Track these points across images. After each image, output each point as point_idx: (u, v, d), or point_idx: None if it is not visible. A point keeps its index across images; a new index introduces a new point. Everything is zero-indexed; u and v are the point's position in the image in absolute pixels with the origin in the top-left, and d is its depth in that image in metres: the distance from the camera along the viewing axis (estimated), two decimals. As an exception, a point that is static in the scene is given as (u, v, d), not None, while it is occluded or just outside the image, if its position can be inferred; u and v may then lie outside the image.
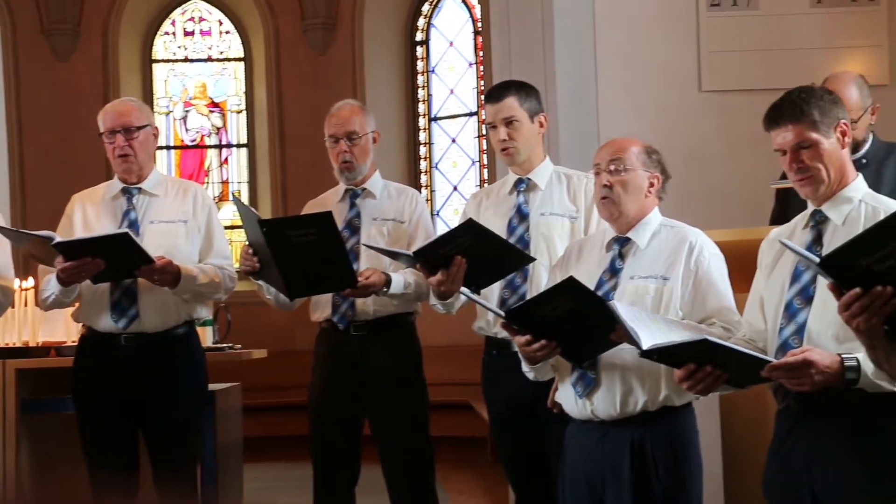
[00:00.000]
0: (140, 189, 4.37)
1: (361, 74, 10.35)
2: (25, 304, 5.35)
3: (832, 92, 3.08)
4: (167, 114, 11.05)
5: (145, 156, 4.37)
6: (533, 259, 3.82)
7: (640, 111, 5.53)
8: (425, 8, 10.53)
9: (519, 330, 3.25)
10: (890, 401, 2.84)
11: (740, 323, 3.18)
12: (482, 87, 10.02)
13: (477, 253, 3.71)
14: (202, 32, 11.13)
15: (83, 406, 4.32)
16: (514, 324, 3.25)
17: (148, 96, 10.79)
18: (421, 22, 10.55)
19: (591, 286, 3.28)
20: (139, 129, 4.32)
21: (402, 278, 4.24)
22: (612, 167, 3.36)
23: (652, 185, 3.39)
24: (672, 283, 3.28)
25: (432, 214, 10.31)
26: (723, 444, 4.14)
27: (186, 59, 11.11)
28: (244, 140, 11.02)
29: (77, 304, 4.37)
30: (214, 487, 5.13)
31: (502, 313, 3.29)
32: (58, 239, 4.06)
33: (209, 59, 11.14)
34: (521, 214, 4.05)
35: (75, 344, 4.57)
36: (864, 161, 4.24)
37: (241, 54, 11.07)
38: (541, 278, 3.85)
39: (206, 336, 5.62)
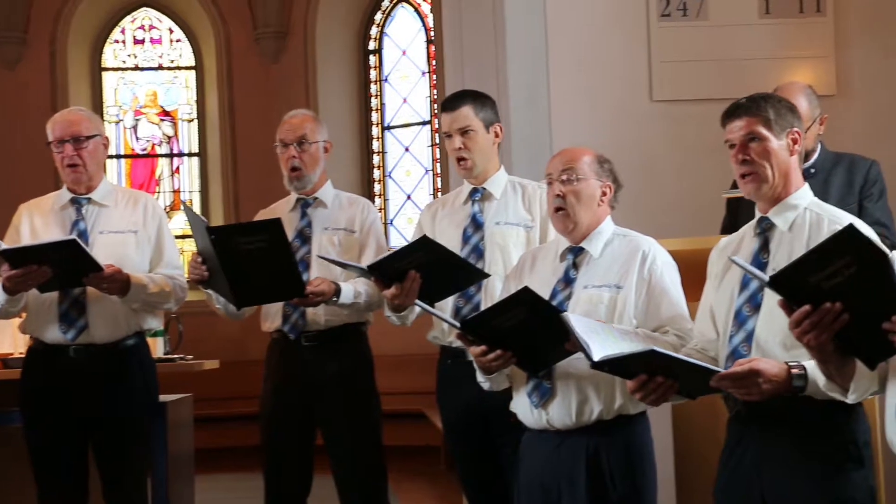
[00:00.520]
0: (89, 199, 4.33)
1: (314, 83, 10.32)
2: (-29, 316, 5.26)
3: (792, 102, 3.13)
4: (117, 122, 10.96)
5: (95, 166, 4.32)
6: (487, 275, 3.83)
7: (592, 120, 5.55)
8: (378, 16, 10.53)
9: (474, 340, 3.25)
10: (837, 407, 2.87)
11: (693, 331, 3.20)
12: (435, 96, 10.03)
13: (431, 268, 3.72)
14: (153, 40, 11.05)
15: (31, 419, 4.26)
16: (470, 334, 3.25)
17: (97, 105, 10.69)
18: (374, 31, 10.54)
19: (546, 296, 3.29)
20: (88, 139, 4.27)
21: (353, 288, 4.23)
22: (564, 177, 3.37)
23: (604, 193, 3.41)
24: (626, 291, 3.30)
25: (385, 224, 10.30)
26: (675, 452, 4.17)
27: (137, 68, 11.02)
28: (196, 149, 10.95)
29: (24, 315, 4.31)
30: (166, 499, 5.09)
31: (458, 324, 3.29)
32: (3, 246, 4.01)
33: (160, 68, 11.06)
34: (476, 224, 4.05)
35: (23, 356, 4.51)
36: (813, 171, 4.29)
37: (193, 63, 11.00)
38: (495, 288, 3.86)
39: (157, 347, 5.58)
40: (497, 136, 4.11)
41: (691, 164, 5.43)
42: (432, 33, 10.09)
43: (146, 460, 4.45)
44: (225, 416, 9.00)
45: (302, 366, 4.34)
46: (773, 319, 2.89)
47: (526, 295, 3.12)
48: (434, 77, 10.05)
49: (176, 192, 10.95)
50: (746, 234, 3.10)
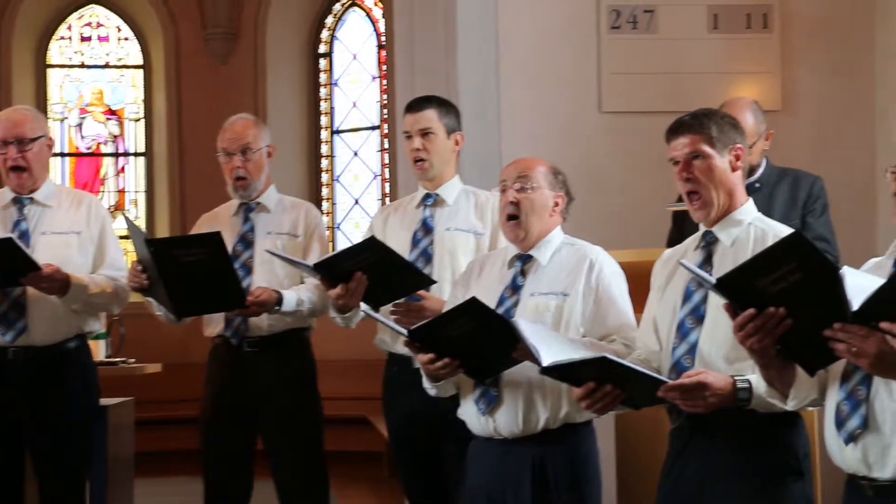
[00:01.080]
0: (32, 199, 4.27)
1: (263, 85, 10.26)
2: None
3: (735, 118, 3.16)
4: (62, 120, 10.81)
5: (39, 167, 4.27)
6: (433, 282, 3.83)
7: (541, 131, 5.57)
8: (329, 20, 10.49)
9: (422, 348, 3.25)
10: (778, 420, 2.91)
11: (637, 340, 3.22)
12: (385, 101, 10.01)
13: (378, 270, 3.71)
14: (100, 38, 10.92)
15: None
16: (417, 342, 3.25)
17: (42, 102, 10.55)
18: (325, 34, 10.51)
19: (493, 302, 3.30)
20: (33, 141, 4.22)
21: (295, 296, 4.21)
22: (518, 185, 3.39)
23: (556, 204, 3.43)
24: (572, 299, 3.31)
25: (332, 228, 10.27)
26: (617, 462, 4.19)
27: (83, 65, 10.89)
28: (142, 149, 10.84)
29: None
30: (104, 503, 5.03)
31: (405, 332, 3.29)
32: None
33: (107, 66, 10.93)
34: (427, 228, 4.06)
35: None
36: (758, 185, 4.34)
37: (140, 62, 10.89)
38: (443, 293, 3.86)
39: (99, 350, 5.52)
40: (457, 143, 4.12)
41: (638, 175, 5.47)
42: (383, 38, 10.08)
43: (85, 464, 4.40)
44: (167, 419, 8.91)
45: (244, 371, 4.32)
46: (715, 332, 2.92)
47: (474, 305, 3.12)
48: (384, 82, 10.03)
49: (121, 192, 10.83)
50: (690, 247, 3.13)
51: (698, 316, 2.99)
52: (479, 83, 5.59)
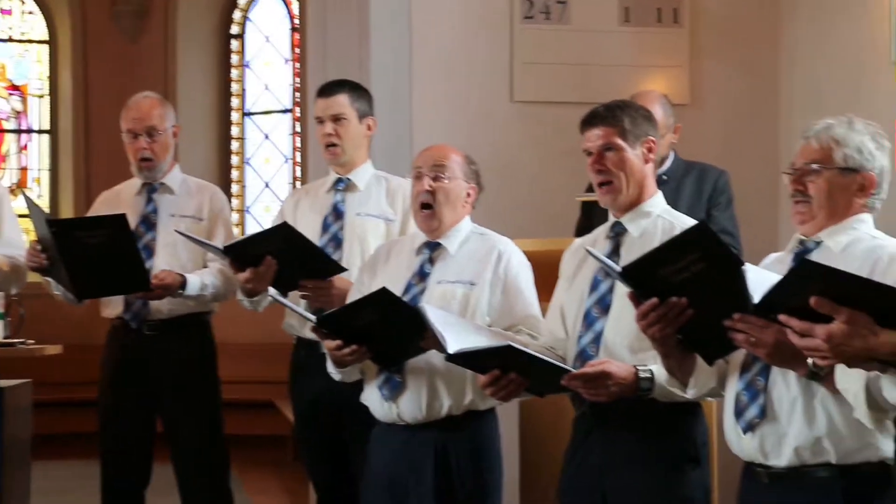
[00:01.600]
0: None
1: (173, 65, 10.10)
2: None
3: (648, 110, 3.20)
4: (-38, 95, 10.53)
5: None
6: (344, 269, 3.81)
7: (453, 119, 5.58)
8: (242, 1, 10.37)
9: (329, 334, 3.24)
10: (678, 409, 2.96)
11: (544, 331, 3.25)
12: (297, 84, 9.93)
13: (288, 255, 3.69)
14: (2, 11, 10.64)
15: None
16: (325, 329, 3.24)
17: (-59, 75, 10.26)
18: (237, 15, 10.37)
19: (400, 289, 3.30)
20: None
21: (199, 280, 4.17)
22: (434, 173, 3.39)
23: (469, 195, 3.44)
24: (479, 288, 3.33)
25: (242, 211, 10.17)
26: (521, 449, 4.22)
27: (-15, 39, 10.61)
28: (46, 126, 10.60)
29: None
30: (-1, 487, 4.92)
31: (313, 318, 3.28)
32: None
33: (10, 40, 10.65)
34: (337, 213, 4.04)
35: None
36: (665, 178, 4.40)
37: (46, 37, 10.63)
38: (353, 278, 3.85)
39: (-3, 330, 5.39)
40: (369, 128, 4.11)
41: (548, 165, 5.51)
42: (297, 21, 9.99)
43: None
44: (66, 401, 8.75)
45: (143, 354, 4.27)
46: (621, 322, 2.96)
47: (383, 294, 3.12)
48: (297, 65, 9.95)
49: (23, 169, 10.58)
50: (599, 237, 3.17)
51: (605, 306, 3.03)
52: (391, 70, 5.58)
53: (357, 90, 4.11)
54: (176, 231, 4.13)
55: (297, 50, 9.93)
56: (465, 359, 2.99)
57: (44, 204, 10.05)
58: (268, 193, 10.24)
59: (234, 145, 10.33)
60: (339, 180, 4.10)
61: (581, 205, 4.54)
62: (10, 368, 4.89)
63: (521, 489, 4.22)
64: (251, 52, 10.36)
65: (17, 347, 5.46)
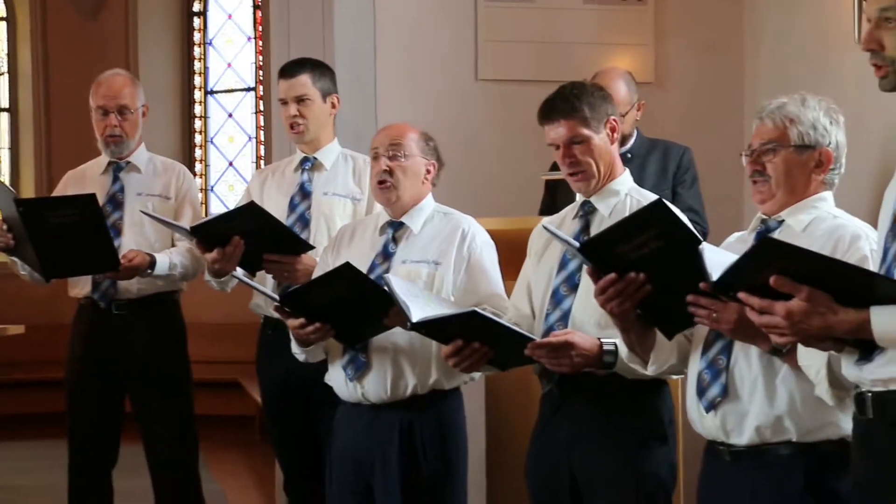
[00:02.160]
0: None
1: (135, 43, 10.00)
2: None
3: (602, 88, 3.20)
4: (-81, 73, 10.38)
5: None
6: (312, 247, 3.80)
7: (418, 98, 5.56)
8: (204, -22, 10.28)
9: (292, 313, 3.23)
10: (644, 386, 2.99)
11: (510, 308, 3.26)
12: (261, 63, 9.87)
13: (256, 235, 3.68)
14: (-39, -12, 10.50)
15: None
16: (289, 307, 3.23)
17: None
18: (199, -8, 10.29)
19: (364, 269, 3.30)
20: None
21: (168, 259, 4.16)
22: (391, 152, 3.38)
23: (428, 172, 3.44)
24: (444, 268, 3.33)
25: (206, 190, 10.10)
26: (487, 428, 4.23)
27: (-58, 16, 10.45)
28: (6, 104, 10.49)
29: None
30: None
31: (277, 297, 3.27)
32: None
33: (-32, 17, 10.52)
34: (304, 192, 4.03)
35: None
36: (630, 156, 4.41)
37: (4, 13, 10.51)
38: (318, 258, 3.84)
39: (-41, 310, 5.34)
40: (334, 106, 4.10)
41: (513, 144, 5.51)
42: (259, -1, 9.92)
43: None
44: (30, 381, 8.69)
45: (112, 334, 4.25)
46: (589, 300, 2.95)
47: (347, 270, 3.11)
48: (260, 43, 9.88)
49: (-17, 148, 10.48)
50: (568, 216, 3.18)
51: (573, 284, 3.04)
52: (355, 48, 5.55)
53: (319, 68, 4.08)
54: (141, 211, 4.11)
55: (260, 28, 9.86)
56: (429, 327, 2.99)
57: (4, 182, 9.95)
58: (231, 172, 10.19)
59: (198, 124, 10.26)
60: (305, 159, 4.08)
61: (546, 183, 4.55)
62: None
63: (488, 467, 4.24)
64: (213, 29, 10.27)
65: (-22, 328, 5.42)
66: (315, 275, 3.47)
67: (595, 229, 3.05)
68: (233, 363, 7.81)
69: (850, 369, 2.27)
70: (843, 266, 2.20)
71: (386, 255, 3.38)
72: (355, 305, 3.19)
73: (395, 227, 3.41)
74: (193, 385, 4.44)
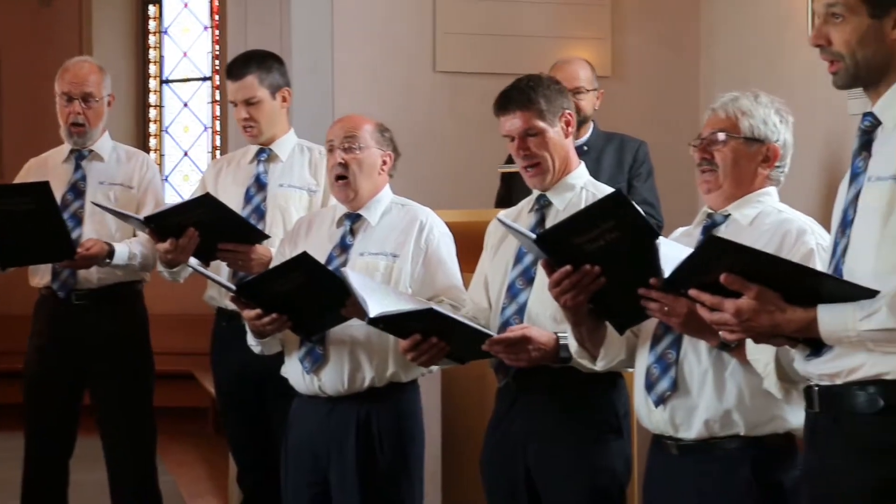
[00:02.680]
0: None
1: (89, 31, 9.89)
2: None
3: (559, 82, 3.20)
4: None
5: None
6: (267, 237, 3.78)
7: (375, 89, 5.55)
8: (159, -35, 10.19)
9: (249, 303, 3.21)
10: (600, 380, 3.00)
11: (467, 301, 3.26)
12: (217, 52, 9.80)
13: (211, 226, 3.65)
14: None
15: None
16: (245, 297, 3.21)
17: None
18: (155, -20, 10.20)
19: (322, 261, 3.28)
20: None
21: (127, 249, 4.12)
22: (346, 144, 3.37)
23: (385, 163, 3.42)
24: (402, 260, 3.32)
25: (161, 179, 10.02)
26: (443, 421, 4.24)
27: None
28: (-44, 92, 10.34)
29: None
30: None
31: (233, 287, 3.25)
32: None
33: (-83, 2, 10.35)
34: (260, 184, 4.01)
35: None
36: (586, 149, 4.43)
37: (-46, 0, 10.36)
38: (274, 250, 3.82)
39: None
40: (285, 100, 4.07)
41: (470, 136, 5.51)
42: (216, -13, 9.85)
43: None
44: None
45: (72, 325, 4.21)
46: (544, 294, 2.95)
47: (304, 260, 3.10)
48: (217, 32, 9.81)
49: (-67, 136, 10.32)
50: (524, 209, 3.18)
51: (528, 277, 3.04)
52: (312, 39, 5.52)
53: (264, 64, 4.03)
54: (92, 202, 4.08)
55: (217, 17, 9.79)
56: (387, 322, 2.99)
57: (-45, 171, 9.81)
58: (186, 162, 10.11)
59: (153, 113, 10.18)
60: (261, 150, 4.06)
61: (502, 175, 4.56)
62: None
63: (444, 461, 4.25)
64: (169, 18, 10.19)
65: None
66: (273, 265, 3.45)
67: (550, 223, 3.06)
68: (186, 354, 7.75)
69: (800, 364, 2.29)
70: (788, 265, 2.21)
71: (343, 247, 3.37)
72: (312, 296, 3.17)
73: (353, 220, 3.40)
74: (155, 377, 4.41)
